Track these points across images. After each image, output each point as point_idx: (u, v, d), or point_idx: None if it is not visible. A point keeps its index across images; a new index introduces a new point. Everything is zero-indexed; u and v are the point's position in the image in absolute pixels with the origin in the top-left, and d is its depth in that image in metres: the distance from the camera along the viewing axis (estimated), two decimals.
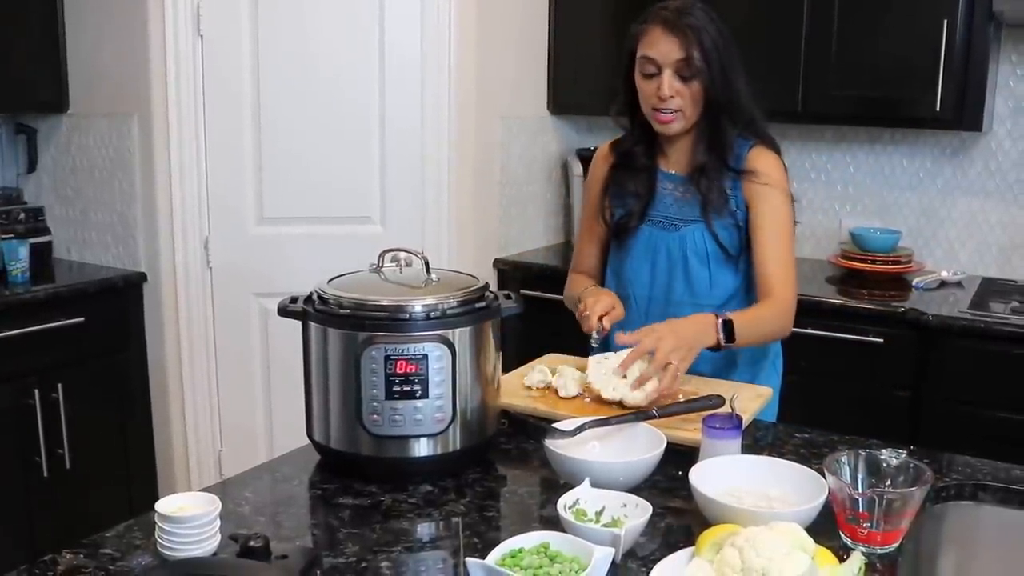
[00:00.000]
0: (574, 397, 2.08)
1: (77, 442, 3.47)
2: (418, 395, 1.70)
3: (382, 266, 1.90)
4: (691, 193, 2.30)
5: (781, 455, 1.82)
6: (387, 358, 1.69)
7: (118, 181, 3.65)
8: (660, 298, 2.33)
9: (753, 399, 2.07)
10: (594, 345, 2.13)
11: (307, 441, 1.85)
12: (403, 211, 3.68)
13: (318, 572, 1.43)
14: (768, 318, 2.20)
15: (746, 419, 1.90)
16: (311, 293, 1.82)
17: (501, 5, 3.85)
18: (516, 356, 2.26)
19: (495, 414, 1.87)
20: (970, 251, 3.80)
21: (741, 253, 2.29)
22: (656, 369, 1.96)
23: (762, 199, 2.24)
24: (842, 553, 1.45)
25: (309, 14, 3.53)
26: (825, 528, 1.50)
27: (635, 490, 1.64)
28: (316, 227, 3.63)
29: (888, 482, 1.55)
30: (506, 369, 2.00)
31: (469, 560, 1.33)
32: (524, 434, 1.95)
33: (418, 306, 1.72)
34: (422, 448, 1.73)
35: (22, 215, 3.75)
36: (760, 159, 2.26)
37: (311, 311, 1.77)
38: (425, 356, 1.70)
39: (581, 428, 1.79)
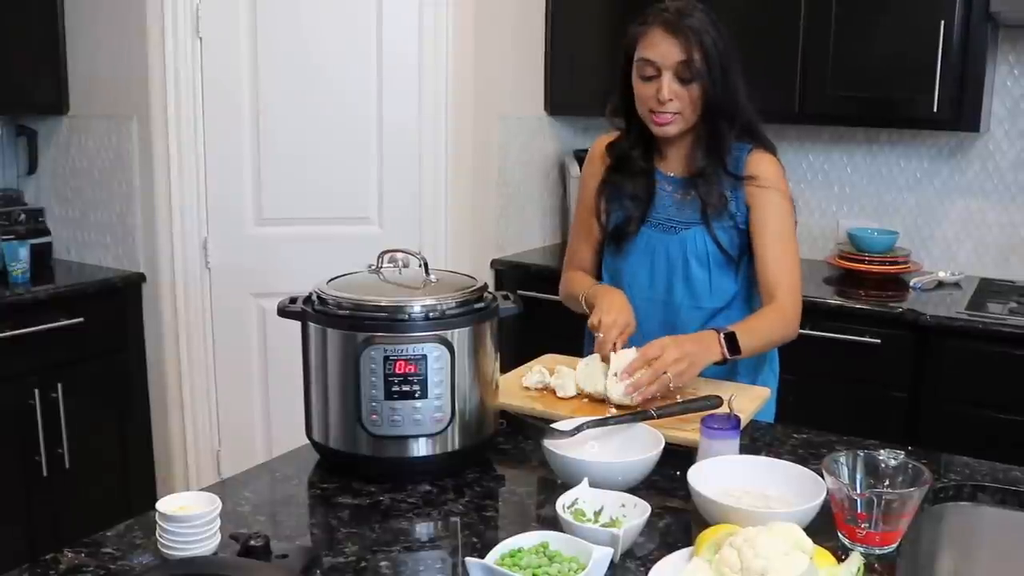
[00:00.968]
0: (572, 397, 2.08)
1: (76, 441, 3.47)
2: (417, 395, 1.71)
3: (381, 267, 1.91)
4: (690, 196, 2.28)
5: (779, 455, 1.82)
6: (386, 358, 1.69)
7: (117, 182, 3.65)
8: (659, 301, 2.31)
9: (751, 400, 2.07)
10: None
11: (306, 441, 1.86)
12: (401, 212, 3.68)
13: (318, 572, 1.43)
14: (772, 325, 2.19)
15: (744, 419, 1.91)
16: (310, 294, 1.82)
17: (498, 6, 3.85)
18: (513, 356, 2.26)
19: (494, 414, 1.87)
20: (968, 251, 3.80)
21: (742, 256, 2.29)
22: (651, 375, 1.95)
23: (763, 202, 2.24)
24: (840, 554, 1.45)
25: (307, 16, 3.53)
26: (824, 528, 1.50)
27: (633, 490, 1.64)
28: (314, 228, 3.64)
29: (887, 483, 1.55)
30: (504, 369, 2.00)
31: (468, 560, 1.34)
32: (522, 434, 1.95)
33: (417, 307, 1.72)
34: (421, 448, 1.74)
35: (22, 216, 3.75)
36: (760, 163, 2.26)
37: (310, 312, 1.78)
38: (424, 356, 1.70)
39: (579, 428, 1.79)
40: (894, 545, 1.49)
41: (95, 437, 3.56)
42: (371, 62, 3.58)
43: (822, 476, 1.53)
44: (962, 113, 3.37)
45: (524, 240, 4.19)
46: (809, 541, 1.34)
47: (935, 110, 3.35)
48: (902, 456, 1.57)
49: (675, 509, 1.65)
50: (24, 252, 3.48)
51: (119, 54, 3.55)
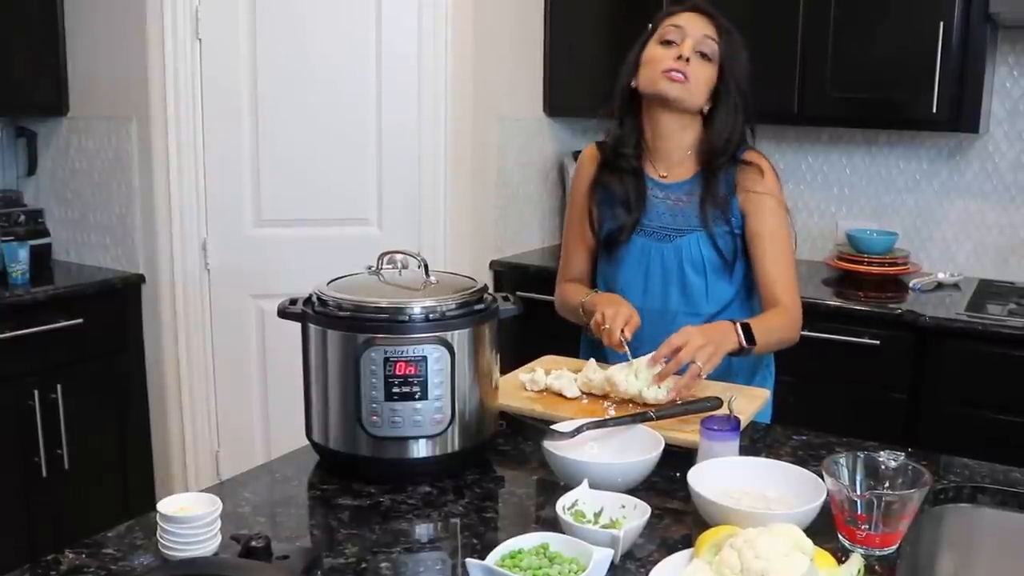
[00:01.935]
0: (572, 399, 2.08)
1: (76, 442, 3.47)
2: (417, 396, 1.71)
3: (380, 268, 1.91)
4: (684, 202, 2.29)
5: (779, 457, 1.82)
6: (386, 360, 1.69)
7: (117, 183, 3.66)
8: (654, 309, 2.30)
9: (751, 401, 2.07)
10: (630, 359, 2.06)
11: (305, 442, 1.86)
12: (400, 213, 3.69)
13: (318, 573, 1.43)
14: (780, 326, 2.22)
15: (744, 421, 1.91)
16: (310, 295, 1.82)
17: (497, 7, 3.86)
18: (512, 358, 2.26)
19: (493, 415, 1.87)
20: (967, 253, 3.81)
21: (735, 260, 2.29)
22: (678, 364, 1.97)
23: (760, 207, 2.25)
24: (841, 555, 1.45)
25: (306, 17, 3.53)
26: (824, 530, 1.50)
27: (633, 491, 1.64)
28: (313, 229, 3.64)
29: (886, 484, 1.55)
30: (503, 371, 2.01)
31: (469, 561, 1.34)
32: (522, 435, 1.96)
33: (417, 308, 1.72)
34: (421, 449, 1.74)
35: (22, 217, 3.75)
36: (756, 166, 2.27)
37: (311, 313, 1.78)
38: (424, 358, 1.70)
39: (579, 429, 1.79)
40: (894, 546, 1.49)
41: (94, 438, 3.56)
42: (370, 64, 3.58)
43: (822, 477, 1.53)
44: (961, 114, 3.38)
45: (523, 241, 4.19)
46: (809, 542, 1.35)
47: (934, 111, 3.35)
48: (902, 457, 1.57)
49: (675, 510, 1.65)
50: (24, 253, 3.48)
51: (119, 55, 3.56)
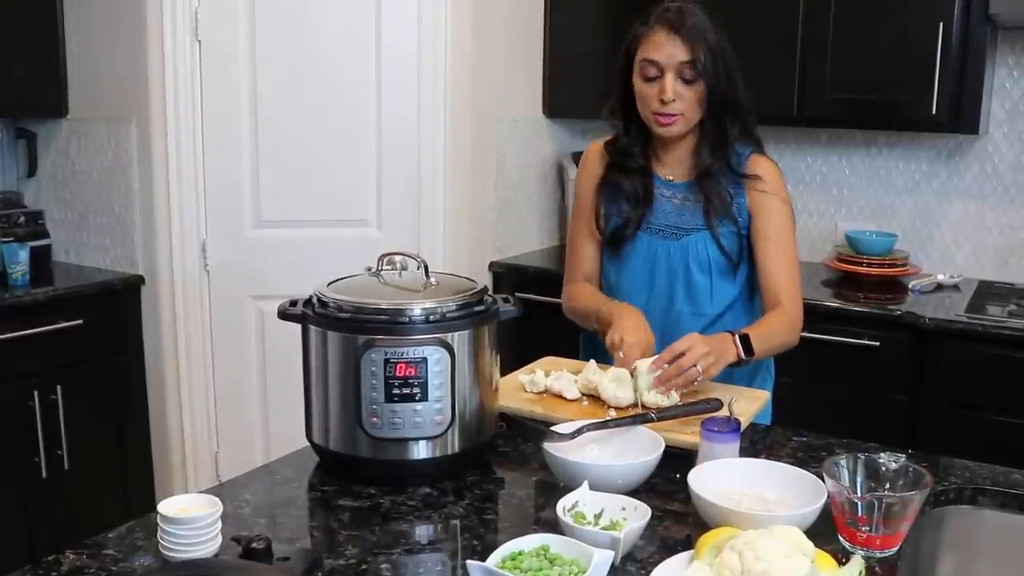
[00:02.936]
0: (572, 400, 2.08)
1: (76, 443, 3.47)
2: (417, 398, 1.71)
3: (380, 269, 1.91)
4: (691, 201, 2.29)
5: (779, 458, 1.82)
6: (387, 361, 1.69)
7: (116, 185, 3.66)
8: (659, 308, 2.30)
9: (751, 402, 2.07)
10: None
11: (305, 443, 1.86)
12: (399, 214, 3.69)
13: (319, 574, 1.43)
14: (781, 328, 2.22)
15: (744, 422, 1.91)
16: (310, 296, 1.82)
17: (496, 9, 3.86)
18: (511, 358, 2.26)
19: (493, 417, 1.87)
20: (967, 254, 3.81)
21: (741, 261, 2.29)
22: (679, 369, 1.97)
23: (766, 208, 2.25)
24: (841, 557, 1.45)
25: (306, 19, 3.53)
26: (824, 532, 1.50)
27: (633, 493, 1.64)
28: (313, 230, 3.64)
29: (887, 486, 1.55)
30: (502, 372, 2.01)
31: (469, 563, 1.34)
32: (522, 437, 1.96)
33: (417, 309, 1.73)
34: (421, 450, 1.74)
35: (22, 218, 3.76)
36: (761, 166, 2.27)
37: (311, 314, 1.78)
38: (424, 359, 1.70)
39: (579, 431, 1.79)
40: (895, 548, 1.49)
41: (94, 439, 3.56)
42: (370, 65, 3.58)
43: (822, 479, 1.53)
44: (961, 115, 3.37)
45: (522, 242, 4.19)
46: (810, 544, 1.35)
47: (934, 112, 3.35)
48: (903, 459, 1.57)
49: (675, 512, 1.65)
50: (24, 254, 3.48)
51: (118, 57, 3.56)
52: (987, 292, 3.52)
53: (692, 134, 2.27)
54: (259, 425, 3.76)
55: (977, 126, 3.42)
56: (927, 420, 3.17)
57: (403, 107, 3.62)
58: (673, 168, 2.33)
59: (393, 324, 1.71)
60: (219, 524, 1.45)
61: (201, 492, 1.63)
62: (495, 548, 1.39)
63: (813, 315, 3.16)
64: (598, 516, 1.54)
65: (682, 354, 1.98)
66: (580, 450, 1.78)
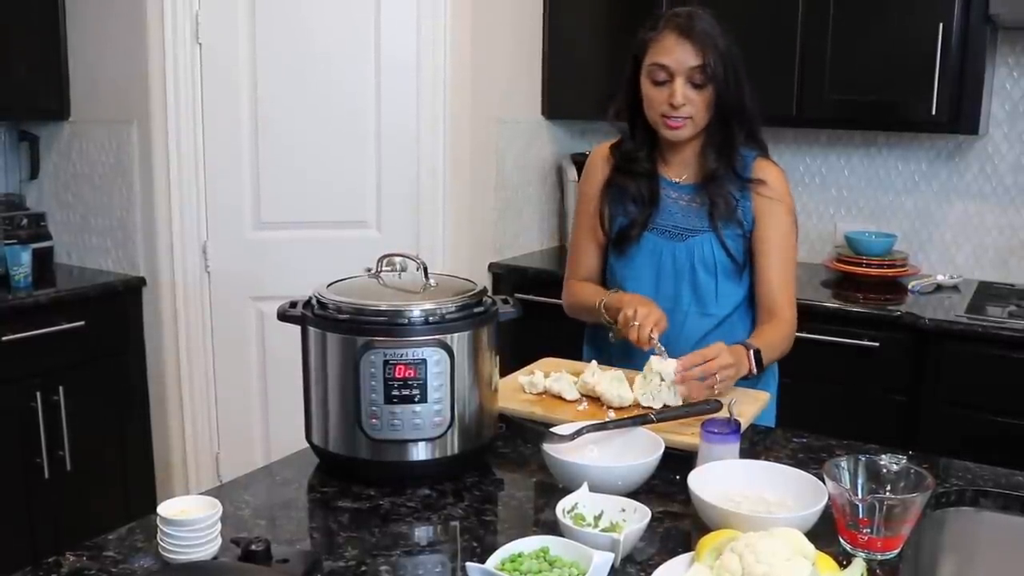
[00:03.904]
0: (571, 401, 2.08)
1: (77, 444, 3.48)
2: (417, 399, 1.71)
3: (380, 271, 1.91)
4: (698, 202, 2.30)
5: (779, 460, 1.82)
6: (386, 363, 1.69)
7: (118, 187, 3.66)
8: (665, 308, 2.26)
9: (751, 403, 2.07)
10: (663, 358, 2.05)
11: (305, 444, 1.86)
12: (399, 215, 3.69)
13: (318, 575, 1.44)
14: (782, 339, 2.25)
15: (744, 423, 1.91)
16: (310, 298, 1.82)
17: (496, 10, 3.86)
18: (511, 360, 2.26)
19: (493, 418, 1.87)
20: (966, 255, 3.80)
21: (746, 263, 2.30)
22: (704, 371, 1.98)
23: (770, 214, 2.26)
24: (842, 559, 1.45)
25: (306, 21, 3.54)
26: (825, 534, 1.50)
27: (633, 495, 1.64)
28: (313, 232, 3.64)
29: (888, 488, 1.55)
30: (502, 373, 2.01)
31: (469, 564, 1.34)
32: (522, 438, 1.95)
33: (417, 311, 1.73)
34: (420, 452, 1.74)
35: (24, 221, 3.76)
36: (767, 171, 2.28)
37: (310, 316, 1.78)
38: (424, 361, 1.70)
39: (579, 432, 1.79)
40: (896, 551, 1.49)
41: (96, 440, 3.56)
42: (370, 66, 3.58)
43: (823, 481, 1.53)
44: (961, 115, 3.37)
45: (522, 243, 4.19)
46: (811, 546, 1.35)
47: (933, 113, 3.34)
48: (904, 461, 1.57)
49: (675, 514, 1.65)
50: (26, 256, 3.48)
51: (120, 60, 3.56)
52: (987, 293, 3.52)
53: (698, 137, 2.28)
54: (259, 426, 3.76)
55: (977, 126, 3.42)
56: (927, 421, 3.17)
57: (403, 109, 3.63)
58: (679, 170, 2.33)
59: (392, 325, 1.71)
60: (219, 526, 1.45)
61: (201, 493, 1.63)
62: (494, 550, 1.39)
63: (813, 316, 3.19)
64: (598, 518, 1.54)
65: (711, 360, 2.00)
66: (580, 451, 1.78)
